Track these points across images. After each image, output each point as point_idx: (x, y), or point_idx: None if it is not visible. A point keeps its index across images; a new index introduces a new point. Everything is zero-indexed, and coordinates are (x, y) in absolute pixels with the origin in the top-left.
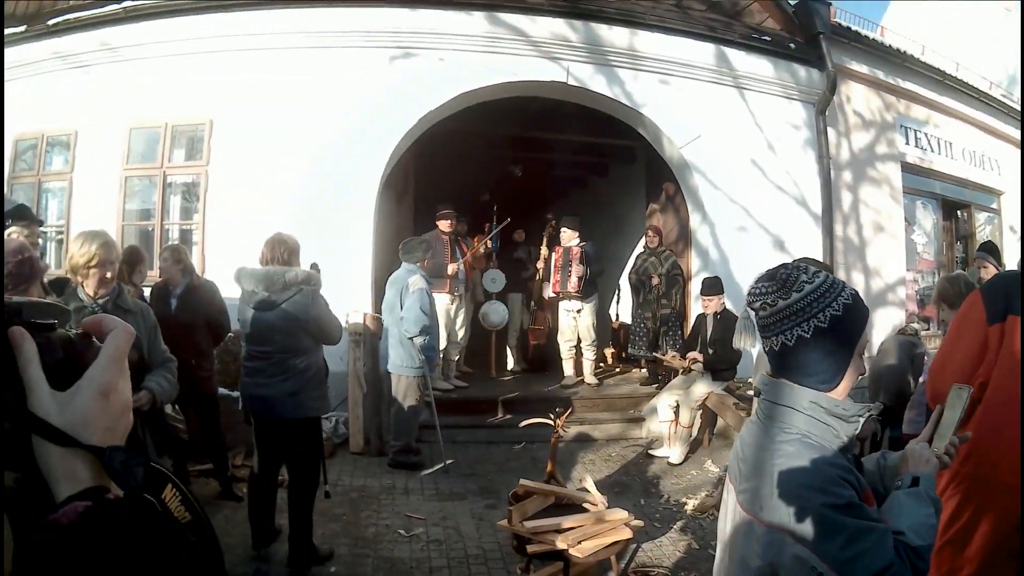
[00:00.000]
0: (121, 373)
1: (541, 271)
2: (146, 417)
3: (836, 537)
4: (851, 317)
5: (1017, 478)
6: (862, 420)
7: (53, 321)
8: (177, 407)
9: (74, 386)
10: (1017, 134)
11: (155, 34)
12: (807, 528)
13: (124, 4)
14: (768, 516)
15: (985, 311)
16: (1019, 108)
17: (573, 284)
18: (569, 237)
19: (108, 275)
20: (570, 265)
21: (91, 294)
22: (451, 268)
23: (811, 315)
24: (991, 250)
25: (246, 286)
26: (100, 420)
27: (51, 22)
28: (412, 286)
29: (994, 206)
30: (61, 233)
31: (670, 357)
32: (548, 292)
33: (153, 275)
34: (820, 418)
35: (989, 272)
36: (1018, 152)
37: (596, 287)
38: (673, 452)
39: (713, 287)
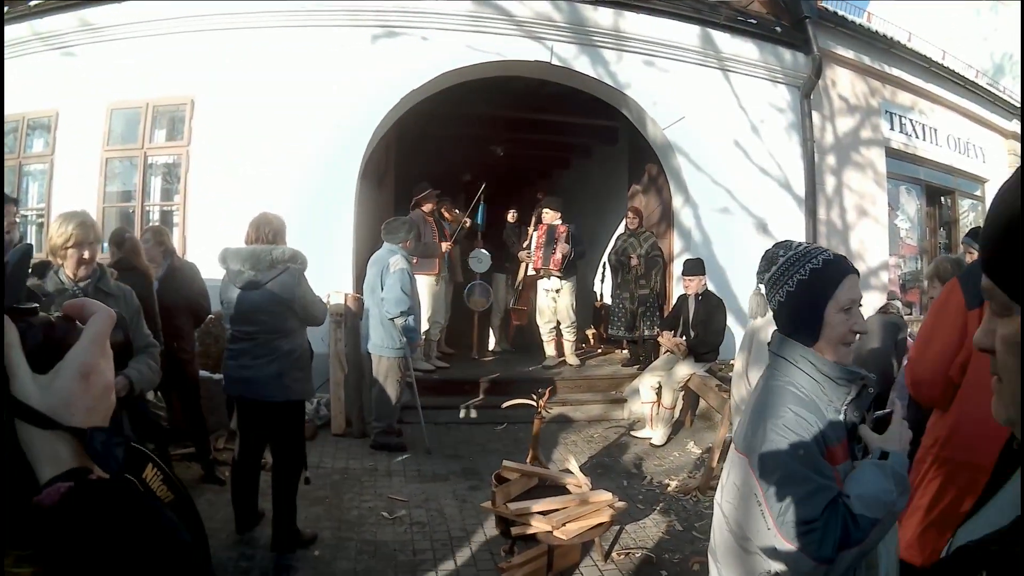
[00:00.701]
0: (103, 355)
1: (521, 253)
2: (125, 403)
3: (776, 475)
4: (817, 280)
5: (992, 462)
6: (853, 386)
7: (35, 305)
8: (159, 393)
9: (55, 368)
10: (1002, 122)
11: (136, 14)
12: (759, 461)
13: None
14: (739, 442)
15: (964, 296)
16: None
17: (556, 261)
18: (552, 217)
19: (86, 255)
20: (555, 243)
21: (71, 276)
22: (445, 246)
23: (784, 281)
24: (977, 236)
25: (232, 265)
26: (81, 401)
27: (32, 2)
28: (393, 266)
29: (978, 193)
30: (42, 216)
31: (666, 338)
32: (531, 271)
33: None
34: (810, 373)
35: (975, 258)
36: (1002, 140)
37: (576, 268)
38: (655, 433)
39: (695, 268)
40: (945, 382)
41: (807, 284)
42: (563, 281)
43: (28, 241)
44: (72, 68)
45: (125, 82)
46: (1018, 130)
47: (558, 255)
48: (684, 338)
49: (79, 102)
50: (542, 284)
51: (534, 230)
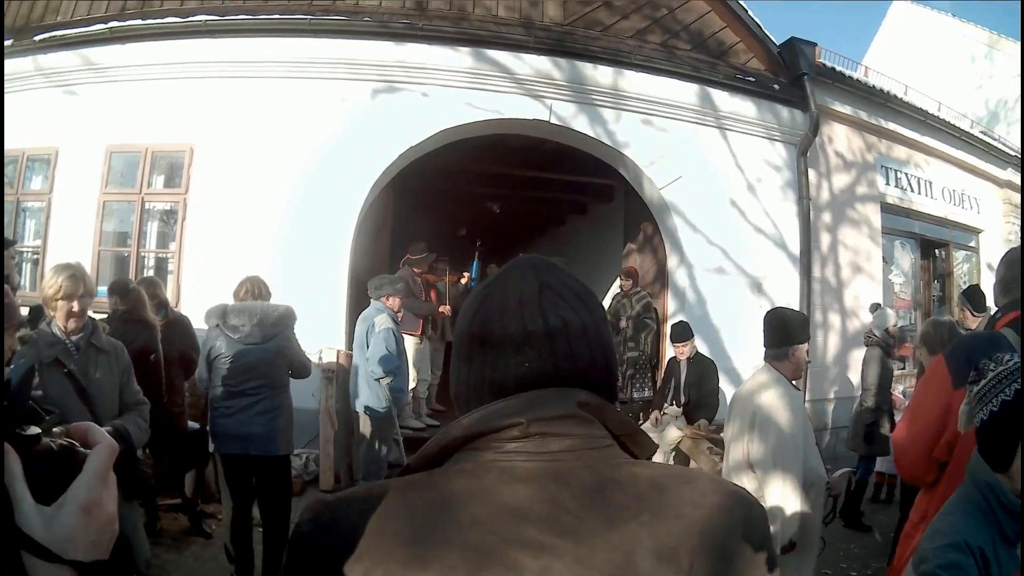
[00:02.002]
0: (105, 488)
1: None
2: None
3: None
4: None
5: None
6: None
7: (38, 432)
8: (147, 449)
9: (58, 501)
10: (997, 171)
11: (140, 56)
12: None
13: (111, 24)
14: None
15: (950, 374)
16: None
17: None
18: None
19: (75, 308)
20: None
21: (62, 327)
22: (444, 310)
23: (989, 399)
24: (971, 296)
25: (233, 321)
26: (84, 535)
27: (38, 38)
28: (378, 326)
29: (972, 244)
30: (37, 254)
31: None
32: None
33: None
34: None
35: (967, 319)
36: (997, 189)
37: None
38: None
39: (683, 333)
40: (928, 461)
41: (1011, 406)
42: None
43: (22, 279)
44: (74, 106)
45: (125, 124)
46: (1013, 178)
47: None
48: (675, 403)
49: (79, 141)
50: None
51: None
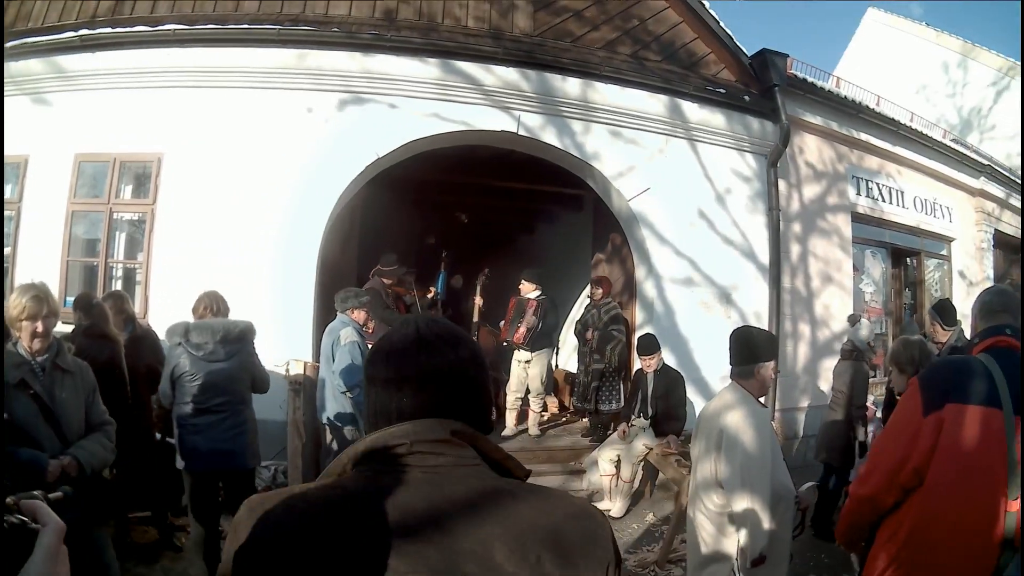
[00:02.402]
0: (57, 564)
1: (477, 318)
2: (80, 483)
3: None
4: None
5: (958, 560)
6: None
7: None
8: (114, 470)
9: None
10: (969, 180)
11: (110, 64)
12: None
13: (81, 32)
14: None
15: (921, 402)
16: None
17: (520, 335)
18: (528, 289)
19: (39, 329)
20: (522, 316)
21: (27, 348)
22: None
23: None
24: (941, 310)
25: (196, 339)
26: None
27: (8, 44)
28: (344, 339)
29: (944, 252)
30: (6, 263)
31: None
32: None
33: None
34: None
35: (937, 332)
36: (969, 197)
37: (551, 340)
38: (614, 505)
39: (649, 347)
40: (890, 484)
41: None
42: (532, 353)
43: None
44: (43, 114)
45: (95, 133)
46: (985, 187)
47: (523, 328)
48: (642, 415)
49: (48, 150)
50: (516, 355)
51: (483, 299)
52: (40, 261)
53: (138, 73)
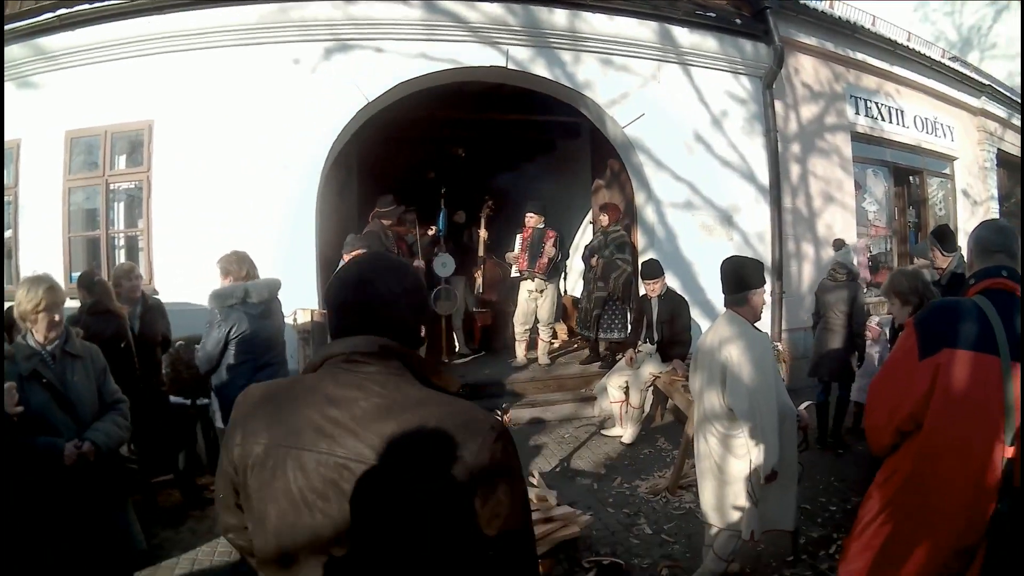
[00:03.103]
0: None
1: (508, 256)
2: (96, 464)
3: None
4: None
5: (953, 505)
6: None
7: None
8: (132, 445)
9: None
10: (971, 100)
11: (91, 40)
12: None
13: (59, 12)
14: None
15: (918, 345)
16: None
17: (542, 265)
18: (536, 221)
19: (56, 318)
20: (542, 245)
21: (41, 340)
22: (416, 263)
23: None
24: (941, 236)
25: (255, 298)
26: None
27: None
28: None
29: (947, 171)
30: (7, 246)
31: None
32: (516, 272)
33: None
34: None
35: (937, 258)
36: (971, 117)
37: (559, 270)
38: (625, 432)
39: (653, 271)
40: (893, 434)
41: None
42: (547, 283)
43: None
44: (30, 97)
45: (83, 109)
46: (987, 106)
47: (544, 259)
48: (648, 341)
49: (39, 131)
50: (525, 286)
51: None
52: (42, 241)
53: (120, 44)
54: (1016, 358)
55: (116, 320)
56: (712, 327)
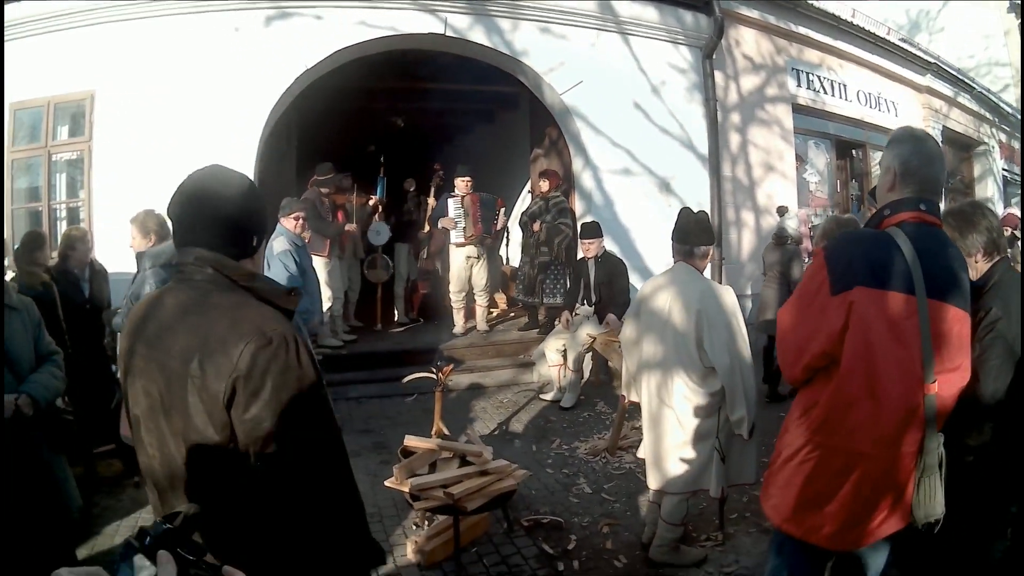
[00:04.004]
0: None
1: (444, 221)
2: (35, 419)
3: None
4: None
5: (875, 446)
6: None
7: (194, 558)
8: (66, 398)
9: None
10: (916, 77)
11: (31, 11)
12: None
13: None
14: None
15: (828, 280)
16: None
17: (496, 232)
18: (468, 184)
19: None
20: (496, 212)
21: None
22: (350, 227)
23: None
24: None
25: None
26: None
27: None
28: (275, 249)
29: None
30: None
31: (563, 318)
32: (458, 238)
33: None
34: None
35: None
36: (916, 94)
37: (499, 238)
38: (563, 395)
39: (592, 231)
40: (805, 370)
41: None
42: (482, 248)
43: None
44: None
45: (27, 81)
46: (932, 84)
47: (499, 227)
48: (585, 302)
49: None
50: (462, 252)
51: (438, 200)
52: None
53: (61, 15)
54: (933, 295)
55: (79, 283)
56: (665, 278)
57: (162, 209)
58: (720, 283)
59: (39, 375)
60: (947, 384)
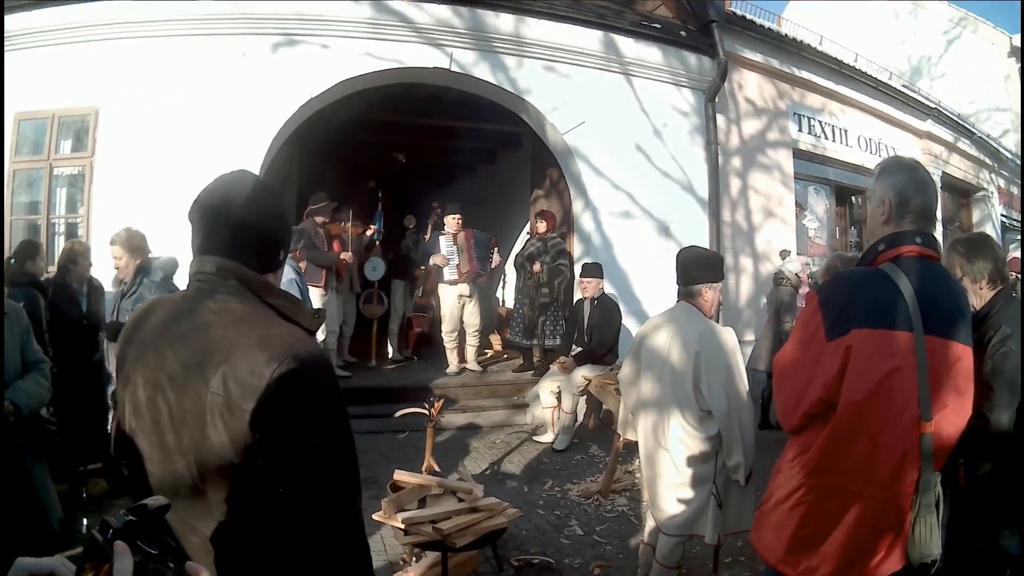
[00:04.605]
0: None
1: (436, 259)
2: (18, 426)
3: None
4: None
5: (871, 487)
6: None
7: (156, 552)
8: (51, 409)
9: None
10: (916, 122)
11: (43, 23)
12: None
13: None
14: None
15: (824, 324)
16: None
17: (493, 266)
18: (459, 223)
19: None
20: (490, 252)
21: None
22: (346, 256)
23: None
24: None
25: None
26: None
27: None
28: (282, 278)
29: None
30: None
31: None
32: (451, 275)
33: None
34: None
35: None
36: (916, 139)
37: (493, 277)
38: (557, 438)
39: (592, 271)
40: (802, 417)
41: None
42: (473, 287)
43: None
44: None
45: (33, 92)
46: (933, 129)
47: (492, 266)
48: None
49: None
50: (453, 290)
51: (434, 235)
52: None
53: (71, 28)
54: (931, 331)
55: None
56: (663, 317)
57: (151, 227)
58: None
59: (24, 382)
60: (947, 422)
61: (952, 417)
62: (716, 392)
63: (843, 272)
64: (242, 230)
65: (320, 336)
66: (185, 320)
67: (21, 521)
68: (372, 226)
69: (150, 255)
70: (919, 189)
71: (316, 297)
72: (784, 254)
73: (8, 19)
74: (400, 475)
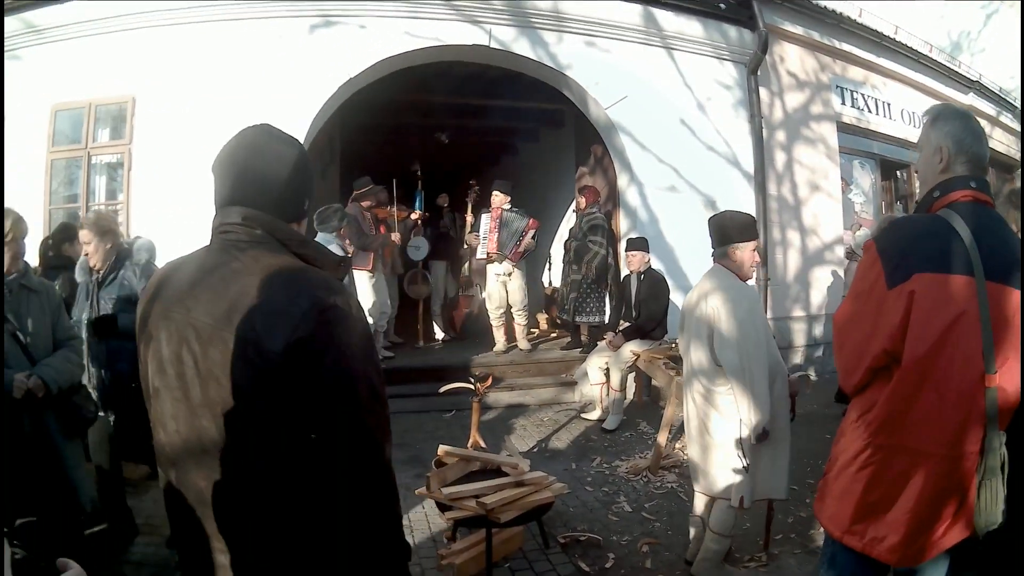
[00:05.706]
0: None
1: (468, 237)
2: (47, 402)
3: None
4: None
5: (937, 444)
6: None
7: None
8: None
9: None
10: (959, 96)
11: (77, 14)
12: None
13: None
14: None
15: (884, 272)
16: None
17: (517, 253)
18: (501, 201)
19: (21, 249)
20: (521, 234)
21: (6, 270)
22: (395, 237)
23: None
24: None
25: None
26: None
27: None
28: None
29: None
30: None
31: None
32: (482, 254)
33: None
34: None
35: None
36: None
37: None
38: (607, 417)
39: (637, 244)
40: (865, 373)
41: None
42: (513, 265)
43: None
44: (18, 70)
45: (69, 83)
46: (975, 103)
47: (521, 249)
48: (627, 320)
49: (25, 104)
50: (492, 269)
51: (476, 216)
52: (24, 214)
53: (107, 19)
54: (994, 277)
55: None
56: (699, 285)
57: (190, 212)
58: (765, 305)
59: (53, 359)
60: (1011, 375)
61: (1015, 372)
62: (726, 348)
63: (900, 219)
64: (264, 179)
65: (370, 319)
66: (214, 273)
67: (50, 499)
68: (417, 211)
69: (121, 240)
70: (975, 136)
71: (364, 279)
72: (856, 227)
73: (41, 13)
74: (444, 450)
